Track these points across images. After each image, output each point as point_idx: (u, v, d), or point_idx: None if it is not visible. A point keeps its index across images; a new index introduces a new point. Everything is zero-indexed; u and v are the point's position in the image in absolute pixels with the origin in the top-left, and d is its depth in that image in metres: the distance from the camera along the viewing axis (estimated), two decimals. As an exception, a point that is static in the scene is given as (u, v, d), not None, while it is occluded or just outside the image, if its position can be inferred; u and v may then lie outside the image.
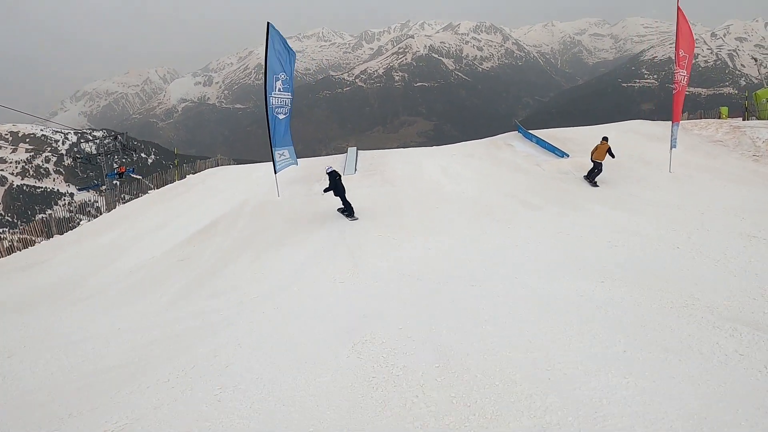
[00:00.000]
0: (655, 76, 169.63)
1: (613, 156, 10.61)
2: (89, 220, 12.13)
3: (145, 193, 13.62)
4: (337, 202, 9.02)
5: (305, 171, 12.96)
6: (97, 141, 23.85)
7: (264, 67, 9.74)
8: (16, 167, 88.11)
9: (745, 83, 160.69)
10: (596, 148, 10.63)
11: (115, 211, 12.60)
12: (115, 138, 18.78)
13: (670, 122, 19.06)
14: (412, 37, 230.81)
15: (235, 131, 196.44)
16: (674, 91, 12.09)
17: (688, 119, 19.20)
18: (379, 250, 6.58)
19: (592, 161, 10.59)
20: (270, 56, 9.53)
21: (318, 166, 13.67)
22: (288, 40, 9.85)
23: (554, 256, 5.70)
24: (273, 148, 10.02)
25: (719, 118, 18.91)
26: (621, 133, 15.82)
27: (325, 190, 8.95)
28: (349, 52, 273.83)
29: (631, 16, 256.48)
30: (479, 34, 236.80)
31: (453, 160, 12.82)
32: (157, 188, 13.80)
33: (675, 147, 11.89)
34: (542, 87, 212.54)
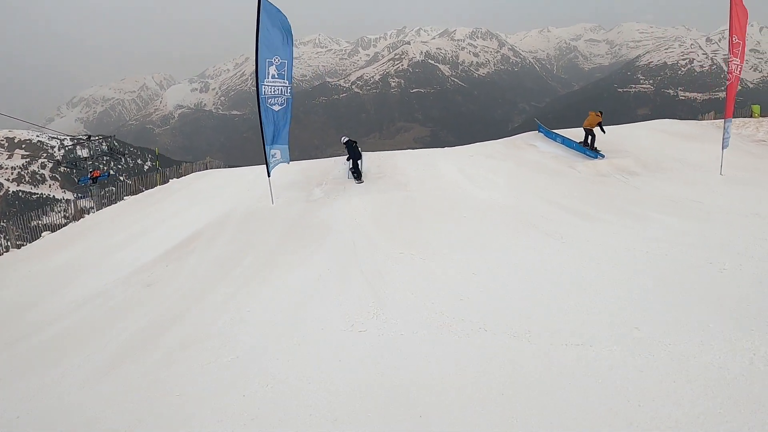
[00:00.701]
0: (650, 82, 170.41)
1: (603, 131, 11.81)
2: (52, 232, 10.42)
3: (121, 199, 11.93)
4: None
5: (303, 174, 11.34)
6: (93, 145, 22.50)
7: (255, 50, 8.18)
8: (12, 173, 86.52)
9: (740, 87, 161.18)
10: (590, 116, 11.73)
11: (83, 221, 10.89)
12: (88, 138, 17.08)
13: (696, 121, 17.84)
14: (408, 43, 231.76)
15: (232, 138, 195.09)
16: (728, 83, 10.66)
17: (714, 119, 17.95)
18: (404, 275, 4.94)
19: (584, 129, 11.77)
20: (261, 36, 7.95)
21: (318, 169, 12.05)
22: None
23: (660, 290, 4.08)
24: (266, 147, 8.42)
25: (750, 116, 17.63)
26: (653, 133, 14.42)
27: (348, 158, 10.17)
28: (346, 59, 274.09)
29: (627, 22, 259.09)
30: (475, 40, 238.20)
31: (472, 161, 11.26)
32: (134, 194, 12.12)
33: (727, 146, 10.45)
34: (538, 93, 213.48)
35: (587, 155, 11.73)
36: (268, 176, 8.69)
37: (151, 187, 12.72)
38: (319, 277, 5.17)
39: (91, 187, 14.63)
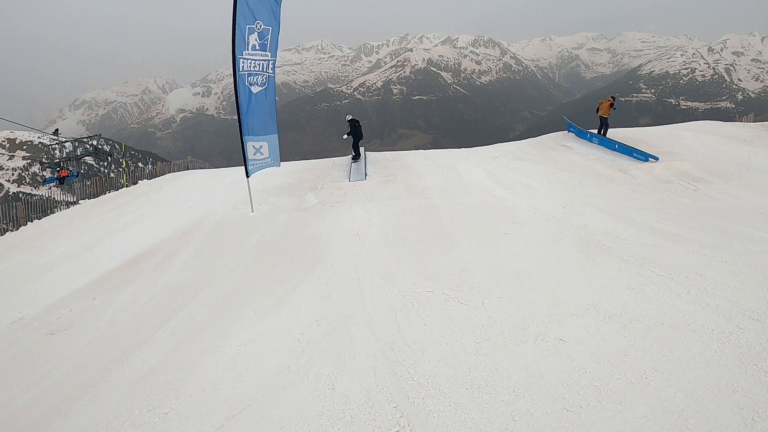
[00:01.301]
0: (652, 91, 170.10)
1: (614, 108, 11.53)
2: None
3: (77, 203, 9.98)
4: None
5: (295, 176, 9.42)
6: (93, 147, 21.47)
7: (233, 13, 6.32)
8: (13, 174, 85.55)
9: (742, 97, 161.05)
10: (600, 104, 11.62)
11: (25, 229, 8.95)
12: (55, 132, 15.31)
13: (741, 123, 16.00)
14: (411, 50, 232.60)
15: (233, 142, 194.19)
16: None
17: (754, 121, 16.14)
18: (442, 339, 2.98)
19: (599, 117, 11.45)
20: (240, -4, 6.10)
21: (313, 170, 10.15)
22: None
23: None
24: (243, 138, 6.51)
25: (798, 119, 15.81)
26: (700, 135, 12.55)
27: (348, 134, 10.42)
28: (348, 65, 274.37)
29: (629, 31, 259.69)
30: (477, 48, 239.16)
31: (500, 164, 9.35)
32: (95, 197, 10.17)
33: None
34: (540, 101, 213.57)
35: (635, 158, 9.84)
36: (247, 177, 6.76)
37: (117, 189, 10.78)
38: (302, 336, 3.22)
39: (70, 185, 12.70)
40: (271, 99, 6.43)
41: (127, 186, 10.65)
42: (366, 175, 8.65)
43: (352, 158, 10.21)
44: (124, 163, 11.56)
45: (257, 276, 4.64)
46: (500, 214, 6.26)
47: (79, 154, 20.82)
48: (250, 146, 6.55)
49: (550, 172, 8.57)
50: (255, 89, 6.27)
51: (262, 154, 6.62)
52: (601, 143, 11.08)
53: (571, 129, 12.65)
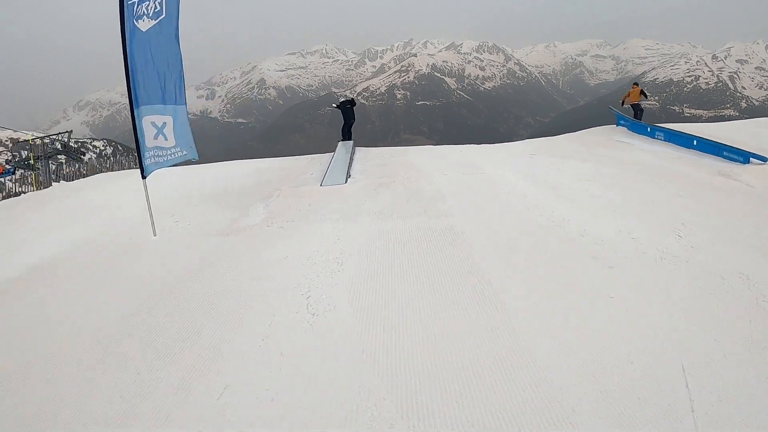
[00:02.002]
0: (656, 98, 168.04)
1: (647, 96, 10.69)
2: None
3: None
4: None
5: (255, 177, 6.65)
6: (63, 145, 20.57)
7: None
8: (15, 174, 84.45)
9: (746, 105, 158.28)
10: (628, 93, 10.71)
11: None
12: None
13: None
14: (415, 55, 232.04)
15: (236, 146, 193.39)
16: None
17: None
18: None
19: (631, 105, 10.53)
20: None
21: (283, 169, 7.41)
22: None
23: None
24: (135, 110, 3.79)
25: None
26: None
27: (336, 106, 9.64)
28: (352, 70, 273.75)
29: (632, 38, 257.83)
30: (482, 53, 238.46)
31: (542, 164, 6.59)
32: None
33: None
34: (544, 107, 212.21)
35: (727, 158, 7.05)
36: (143, 177, 4.05)
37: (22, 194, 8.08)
38: None
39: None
40: (173, 42, 3.71)
41: (36, 189, 7.97)
42: (349, 176, 5.85)
43: (344, 138, 9.12)
44: (32, 158, 9.03)
45: (70, 399, 1.91)
46: (575, 248, 3.50)
47: (49, 152, 18.40)
48: (147, 123, 3.83)
49: (623, 176, 5.78)
50: (144, 24, 3.57)
51: (165, 137, 3.89)
52: (670, 139, 8.32)
53: (622, 122, 9.93)
